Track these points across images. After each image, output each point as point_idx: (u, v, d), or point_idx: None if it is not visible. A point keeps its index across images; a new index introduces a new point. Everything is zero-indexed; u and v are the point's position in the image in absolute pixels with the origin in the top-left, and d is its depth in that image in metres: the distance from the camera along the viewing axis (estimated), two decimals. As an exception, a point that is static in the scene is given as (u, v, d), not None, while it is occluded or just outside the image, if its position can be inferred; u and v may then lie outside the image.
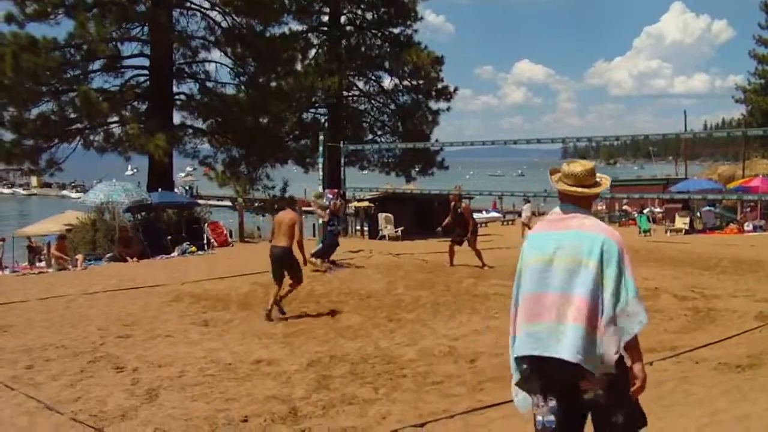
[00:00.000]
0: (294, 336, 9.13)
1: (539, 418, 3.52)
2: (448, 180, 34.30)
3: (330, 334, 9.21)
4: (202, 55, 27.86)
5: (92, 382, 7.02)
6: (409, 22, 34.44)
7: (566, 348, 3.36)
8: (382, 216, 27.70)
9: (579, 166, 3.73)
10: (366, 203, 29.60)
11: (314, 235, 19.65)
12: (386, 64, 34.92)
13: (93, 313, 10.81)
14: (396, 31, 34.74)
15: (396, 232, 26.90)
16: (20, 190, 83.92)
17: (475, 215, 17.48)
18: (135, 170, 68.78)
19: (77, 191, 67.66)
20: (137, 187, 23.19)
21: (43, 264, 20.16)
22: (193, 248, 20.29)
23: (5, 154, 25.94)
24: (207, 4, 27.12)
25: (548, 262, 3.51)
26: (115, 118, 26.36)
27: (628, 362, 3.44)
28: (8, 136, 25.50)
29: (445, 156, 36.54)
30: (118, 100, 25.83)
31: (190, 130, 28.50)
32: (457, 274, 13.57)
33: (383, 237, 26.45)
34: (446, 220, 15.10)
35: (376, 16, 34.52)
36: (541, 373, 3.51)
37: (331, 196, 20.68)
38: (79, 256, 17.74)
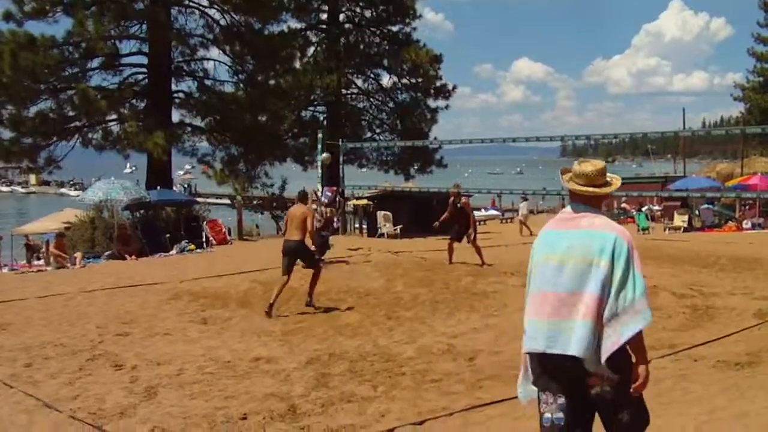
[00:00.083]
0: (293, 334, 9.13)
1: (547, 415, 3.53)
2: (447, 178, 34.19)
3: (329, 332, 9.22)
4: (201, 53, 27.94)
5: (91, 380, 7.02)
6: (407, 20, 34.49)
7: (574, 344, 3.39)
8: (380, 214, 27.71)
9: (590, 166, 3.74)
10: (365, 201, 29.60)
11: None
12: (385, 62, 34.95)
13: (91, 311, 10.80)
14: (395, 28, 34.78)
15: (395, 230, 26.91)
16: (19, 188, 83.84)
17: (474, 213, 17.47)
18: (134, 168, 68.84)
19: (76, 189, 67.61)
20: (136, 185, 23.20)
21: (41, 262, 20.14)
22: (192, 246, 20.27)
23: (4, 152, 25.98)
24: (205, 2, 27.16)
25: (559, 260, 3.54)
26: (114, 116, 26.40)
27: (633, 359, 3.46)
28: (7, 134, 25.58)
29: (444, 154, 36.63)
30: (117, 98, 25.85)
31: (189, 128, 28.53)
32: (455, 271, 13.57)
33: (382, 235, 26.46)
34: (444, 215, 15.07)
35: (374, 13, 34.53)
36: (550, 370, 3.53)
37: (329, 194, 20.69)
38: (78, 254, 17.71)
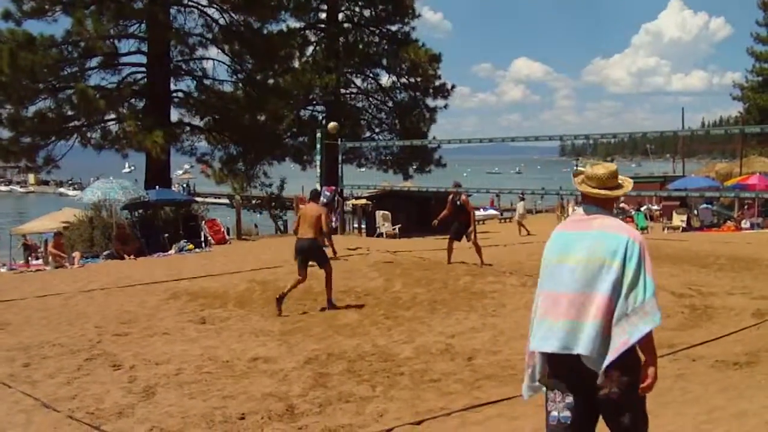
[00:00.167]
0: (291, 333, 9.13)
1: (554, 413, 3.56)
2: (446, 177, 34.21)
3: (327, 331, 9.21)
4: (200, 52, 27.89)
5: (89, 380, 7.02)
6: (406, 20, 34.50)
7: (585, 344, 3.42)
8: (379, 213, 27.76)
9: (602, 169, 3.78)
10: (363, 201, 29.65)
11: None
12: (384, 62, 34.96)
13: (90, 310, 10.80)
14: (394, 28, 34.79)
15: (393, 229, 26.93)
16: (17, 188, 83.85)
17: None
18: (132, 168, 68.88)
19: (74, 189, 67.57)
20: (134, 185, 23.18)
21: (39, 262, 20.16)
22: (191, 246, 20.25)
23: (2, 152, 25.99)
24: (204, 1, 27.13)
25: (571, 261, 3.58)
26: (113, 116, 26.38)
27: (642, 359, 3.49)
28: (5, 133, 25.55)
29: (443, 153, 36.65)
30: (116, 97, 25.82)
31: (188, 128, 28.52)
32: (454, 271, 13.56)
33: (381, 234, 26.49)
34: (443, 213, 15.05)
35: (373, 13, 34.54)
36: (560, 370, 3.56)
37: (328, 194, 20.71)
38: (76, 254, 17.71)
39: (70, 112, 25.70)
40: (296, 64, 32.06)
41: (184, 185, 65.25)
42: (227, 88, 28.71)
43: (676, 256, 15.75)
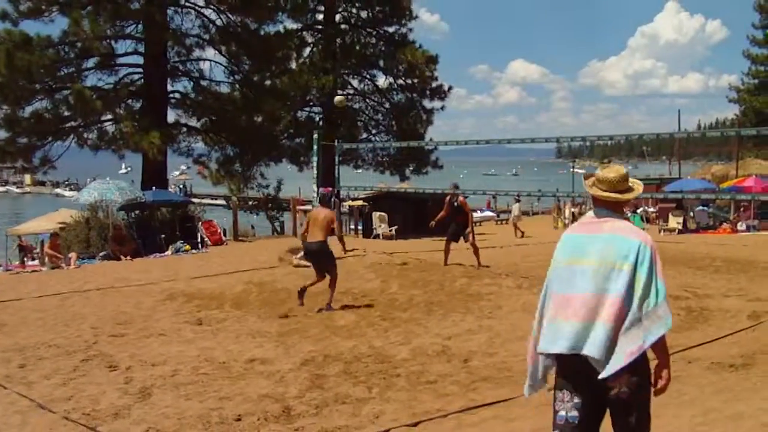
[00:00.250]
0: (288, 335, 9.12)
1: (562, 413, 3.58)
2: (442, 179, 34.27)
3: (324, 333, 9.21)
4: (197, 53, 27.88)
5: (85, 381, 7.01)
6: (403, 21, 34.52)
7: (593, 346, 3.44)
8: (376, 215, 27.73)
9: (612, 172, 3.79)
10: (360, 202, 29.61)
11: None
12: (381, 63, 34.98)
13: (86, 311, 10.79)
14: (391, 29, 34.81)
15: (390, 231, 26.92)
16: (14, 188, 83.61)
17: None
18: (129, 169, 68.84)
19: (71, 189, 67.49)
20: (131, 186, 23.21)
21: (35, 262, 20.12)
22: (187, 247, 20.26)
23: (-1, 152, 25.91)
24: (201, 2, 27.14)
25: (582, 263, 3.60)
26: (109, 116, 26.35)
27: (654, 362, 3.55)
28: (2, 134, 25.57)
29: (439, 155, 36.68)
30: (112, 98, 25.81)
31: (184, 129, 28.50)
32: (450, 273, 13.56)
33: (377, 236, 26.45)
34: (440, 214, 15.05)
35: (370, 14, 34.56)
36: (569, 370, 3.58)
37: (325, 194, 20.66)
38: (73, 255, 17.69)
39: (66, 113, 25.69)
40: (293, 65, 32.07)
41: (181, 186, 65.30)
42: (224, 89, 28.74)
43: (672, 258, 15.75)
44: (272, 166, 31.54)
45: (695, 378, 6.62)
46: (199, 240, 21.58)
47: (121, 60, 26.88)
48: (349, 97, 35.78)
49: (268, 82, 29.28)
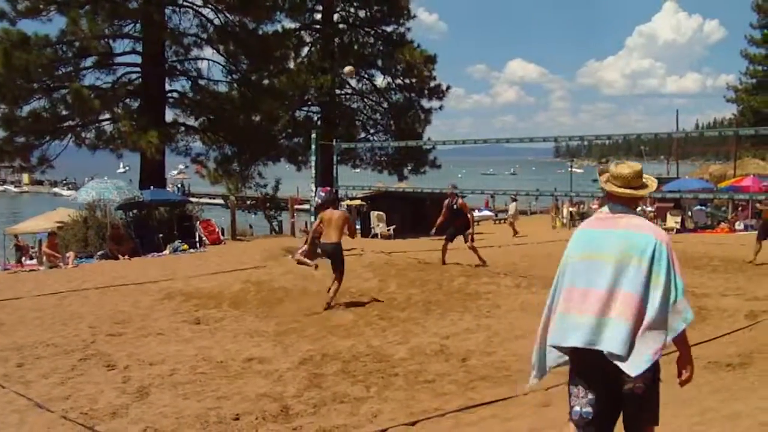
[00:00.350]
0: (286, 334, 9.13)
1: (577, 408, 3.63)
2: (441, 179, 34.28)
3: (322, 332, 9.21)
4: (195, 52, 27.78)
5: (83, 380, 7.01)
6: (402, 20, 34.43)
7: (615, 343, 3.47)
8: (374, 214, 27.74)
9: (627, 168, 3.84)
10: (358, 201, 29.62)
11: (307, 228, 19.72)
12: (379, 63, 34.90)
13: (84, 310, 10.79)
14: (389, 29, 34.73)
15: (388, 230, 26.93)
16: (11, 188, 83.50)
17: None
18: (127, 168, 68.71)
19: (69, 189, 67.40)
20: (129, 185, 23.18)
21: (33, 262, 20.10)
22: (185, 246, 20.26)
23: (-3, 152, 25.87)
24: (199, 2, 27.04)
25: (598, 259, 3.63)
26: (107, 116, 26.27)
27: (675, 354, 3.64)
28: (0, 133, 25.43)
29: (438, 154, 36.55)
30: (110, 97, 25.75)
31: (183, 128, 28.42)
32: (449, 272, 13.58)
33: (375, 235, 26.46)
34: (439, 220, 15.08)
35: (369, 14, 34.49)
36: (584, 365, 3.63)
37: (323, 194, 20.64)
38: (71, 254, 17.69)
39: (64, 112, 25.62)
40: (291, 64, 31.97)
41: (179, 185, 65.19)
42: (222, 88, 28.66)
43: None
44: (270, 166, 31.47)
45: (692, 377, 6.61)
46: (197, 239, 21.56)
47: (119, 59, 26.83)
48: (348, 96, 35.76)
49: (266, 82, 29.23)
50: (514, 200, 31.11)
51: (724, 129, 46.20)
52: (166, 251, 19.70)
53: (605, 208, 3.85)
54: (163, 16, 25.90)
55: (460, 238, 15.00)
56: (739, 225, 27.96)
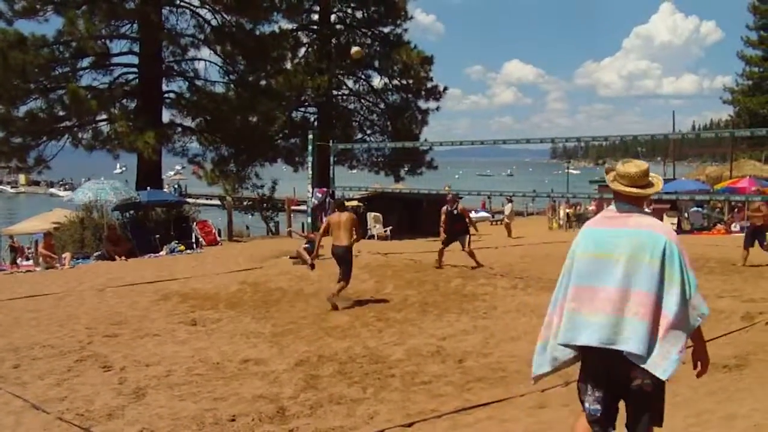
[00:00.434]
0: (282, 335, 9.12)
1: (586, 405, 3.68)
2: (437, 180, 34.32)
3: (318, 333, 9.21)
4: (192, 53, 27.85)
5: (79, 382, 7.00)
6: (399, 21, 34.41)
7: (633, 342, 3.48)
8: (371, 215, 27.68)
9: (633, 167, 3.82)
10: (355, 202, 29.56)
11: (303, 230, 19.70)
12: (376, 64, 34.88)
13: (80, 311, 10.78)
14: (386, 30, 34.72)
15: (385, 231, 26.90)
16: (8, 188, 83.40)
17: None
18: (123, 168, 68.59)
19: (65, 189, 67.26)
20: (126, 186, 23.16)
21: (29, 262, 20.07)
22: (182, 247, 20.24)
23: (-7, 152, 25.85)
24: (196, 2, 27.11)
25: (607, 257, 3.64)
26: (104, 116, 26.31)
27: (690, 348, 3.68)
28: (-4, 133, 25.41)
29: (434, 156, 36.54)
30: (107, 97, 25.76)
31: (179, 129, 28.45)
32: (445, 273, 13.58)
33: (372, 236, 26.44)
34: (441, 231, 14.79)
35: (366, 15, 34.48)
36: (591, 362, 3.65)
37: (320, 195, 20.67)
38: (67, 255, 17.67)
39: (61, 113, 25.62)
40: (288, 65, 31.96)
41: (176, 186, 65.09)
42: (219, 89, 28.69)
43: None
44: (267, 167, 31.50)
45: (688, 379, 6.59)
46: (193, 240, 21.54)
47: (116, 60, 26.85)
48: (344, 97, 35.75)
49: (263, 83, 29.25)
50: (510, 201, 31.10)
51: (720, 130, 46.27)
52: (163, 252, 19.69)
53: (612, 207, 3.85)
54: (160, 16, 25.92)
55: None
56: (735, 227, 27.96)
